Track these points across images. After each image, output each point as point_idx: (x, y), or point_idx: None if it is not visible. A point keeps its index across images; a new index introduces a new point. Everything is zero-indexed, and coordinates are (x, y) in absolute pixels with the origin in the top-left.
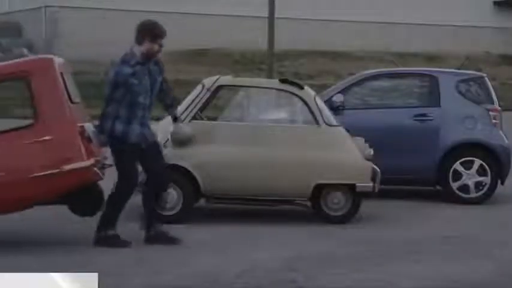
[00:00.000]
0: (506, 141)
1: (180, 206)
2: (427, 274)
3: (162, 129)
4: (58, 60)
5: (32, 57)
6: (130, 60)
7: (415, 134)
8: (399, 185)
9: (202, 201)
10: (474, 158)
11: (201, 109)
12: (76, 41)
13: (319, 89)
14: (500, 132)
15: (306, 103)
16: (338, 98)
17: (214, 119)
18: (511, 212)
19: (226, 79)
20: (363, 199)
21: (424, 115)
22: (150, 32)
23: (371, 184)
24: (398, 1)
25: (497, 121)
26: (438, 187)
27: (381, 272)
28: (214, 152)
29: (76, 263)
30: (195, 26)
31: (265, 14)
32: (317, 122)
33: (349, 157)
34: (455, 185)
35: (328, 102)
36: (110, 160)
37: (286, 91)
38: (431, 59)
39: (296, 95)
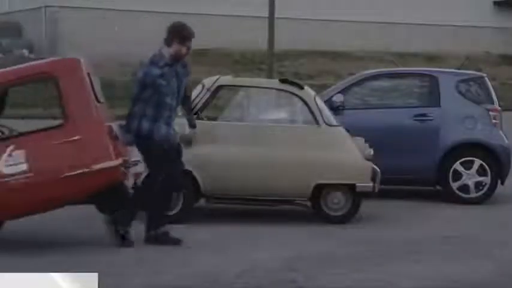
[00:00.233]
0: (506, 141)
1: (180, 206)
2: (427, 274)
3: None
4: (84, 61)
5: (59, 57)
6: (159, 62)
7: (415, 134)
8: (399, 185)
9: (202, 201)
10: (474, 158)
11: (201, 109)
12: (76, 41)
13: (319, 89)
14: (500, 132)
15: (306, 103)
16: (338, 98)
17: (214, 119)
18: (511, 212)
19: (226, 79)
20: (363, 199)
21: (424, 115)
22: (179, 33)
23: (371, 184)
24: (398, 1)
25: (497, 121)
26: (438, 187)
27: (381, 272)
28: (214, 152)
29: (76, 263)
30: (195, 26)
31: (265, 14)
32: (317, 122)
33: (349, 157)
34: (455, 185)
35: (328, 102)
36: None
37: (286, 91)
38: (431, 59)
39: (296, 95)
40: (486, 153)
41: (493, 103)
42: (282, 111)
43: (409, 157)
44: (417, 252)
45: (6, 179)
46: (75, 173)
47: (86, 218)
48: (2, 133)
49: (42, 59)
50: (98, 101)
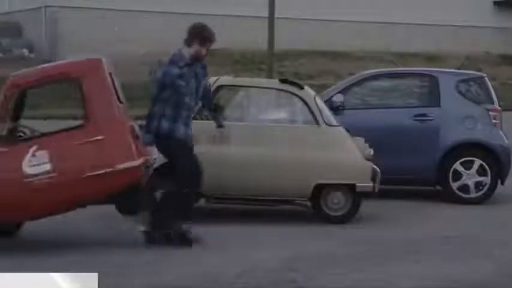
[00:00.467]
0: (506, 141)
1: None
2: (427, 274)
3: None
4: (106, 61)
5: (81, 58)
6: (179, 62)
7: (415, 134)
8: (399, 185)
9: (202, 201)
10: (474, 158)
11: (201, 109)
12: (76, 41)
13: (319, 89)
14: (500, 132)
15: (306, 103)
16: (338, 98)
17: None
18: (511, 212)
19: (226, 79)
20: (363, 199)
21: (424, 115)
22: (199, 35)
23: (371, 184)
24: (398, 1)
25: (497, 121)
26: (438, 187)
27: (381, 272)
28: (214, 152)
29: (76, 263)
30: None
31: (265, 14)
32: (317, 122)
33: (349, 157)
34: (455, 185)
35: (328, 102)
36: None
37: (286, 91)
38: (431, 59)
39: (296, 95)
40: (486, 153)
41: (493, 103)
42: (282, 111)
43: (409, 157)
44: (417, 252)
45: (30, 179)
46: (98, 173)
47: (86, 218)
48: (24, 133)
49: (50, 61)
50: (120, 101)
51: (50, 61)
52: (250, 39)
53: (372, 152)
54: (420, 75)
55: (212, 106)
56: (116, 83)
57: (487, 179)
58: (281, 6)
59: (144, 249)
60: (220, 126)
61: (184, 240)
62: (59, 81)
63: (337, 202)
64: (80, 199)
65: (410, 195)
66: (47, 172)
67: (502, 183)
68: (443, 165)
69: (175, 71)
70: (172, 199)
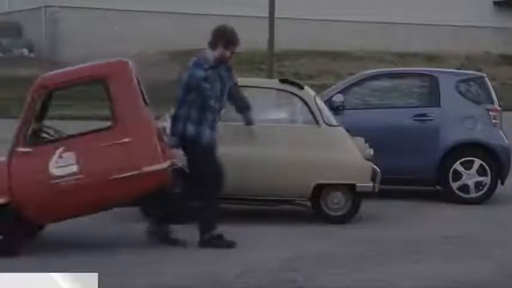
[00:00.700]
0: (506, 141)
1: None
2: (427, 274)
3: None
4: (132, 63)
5: (108, 60)
6: (204, 64)
7: (415, 134)
8: (399, 185)
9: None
10: (474, 158)
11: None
12: (76, 41)
13: (319, 89)
14: (500, 132)
15: (306, 103)
16: (338, 98)
17: None
18: (511, 212)
19: None
20: (363, 199)
21: (424, 115)
22: (224, 37)
23: (371, 184)
24: (398, 1)
25: (497, 121)
26: (438, 187)
27: (381, 272)
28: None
29: (76, 263)
30: (195, 26)
31: (265, 14)
32: (317, 122)
33: (349, 157)
34: (455, 185)
35: (328, 102)
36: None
37: (286, 91)
38: (431, 59)
39: (296, 95)
40: (486, 153)
41: (493, 103)
42: (282, 111)
43: (409, 157)
44: (417, 252)
45: (56, 181)
46: (125, 175)
47: (86, 218)
48: (48, 134)
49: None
50: (146, 103)
51: (49, 61)
52: (250, 39)
53: (372, 152)
54: (420, 75)
55: (239, 105)
56: (141, 85)
57: (487, 179)
58: (281, 6)
59: (144, 250)
60: (249, 123)
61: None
62: (86, 83)
63: (337, 202)
64: (106, 201)
65: (410, 195)
66: (74, 174)
67: (502, 183)
68: (443, 165)
69: (200, 73)
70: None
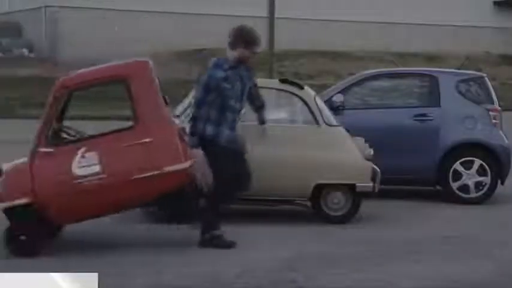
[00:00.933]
0: (506, 141)
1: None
2: (427, 274)
3: None
4: (152, 63)
5: (128, 60)
6: (224, 65)
7: (415, 134)
8: (399, 185)
9: (202, 201)
10: (474, 158)
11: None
12: (76, 41)
13: (319, 89)
14: (500, 132)
15: (306, 103)
16: (338, 98)
17: None
18: (511, 212)
19: None
20: (363, 199)
21: (424, 115)
22: (243, 38)
23: (371, 184)
24: (398, 1)
25: (497, 121)
26: (438, 187)
27: (381, 272)
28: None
29: (76, 263)
30: (195, 26)
31: (265, 14)
32: (317, 122)
33: (349, 157)
34: (455, 185)
35: (328, 102)
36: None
37: (286, 91)
38: (431, 59)
39: (296, 95)
40: (486, 153)
41: (493, 103)
42: (282, 111)
43: (409, 157)
44: (417, 252)
45: (79, 181)
46: (147, 175)
47: None
48: (68, 134)
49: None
50: (166, 103)
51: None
52: None
53: (372, 152)
54: (420, 75)
55: (259, 104)
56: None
57: (487, 179)
58: (281, 6)
59: (144, 250)
60: (262, 123)
61: (216, 245)
62: (108, 83)
63: (337, 202)
64: (127, 201)
65: (410, 195)
66: (97, 173)
67: (502, 183)
68: (443, 165)
69: (220, 73)
70: (209, 203)
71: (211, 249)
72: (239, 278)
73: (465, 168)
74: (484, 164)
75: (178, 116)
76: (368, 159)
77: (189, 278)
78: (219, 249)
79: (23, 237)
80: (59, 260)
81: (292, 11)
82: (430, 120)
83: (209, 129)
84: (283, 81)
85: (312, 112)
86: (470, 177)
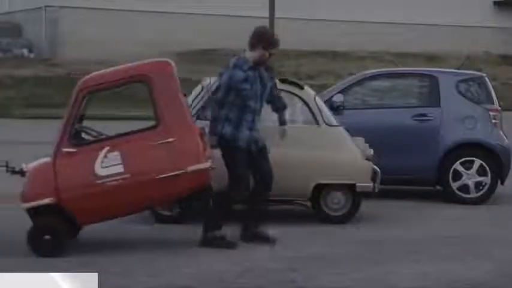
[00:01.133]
0: (506, 141)
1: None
2: (427, 274)
3: None
4: (173, 63)
5: (150, 60)
6: (243, 65)
7: (415, 134)
8: (399, 185)
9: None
10: (474, 158)
11: (201, 109)
12: (76, 41)
13: (319, 89)
14: (500, 132)
15: (306, 103)
16: (338, 98)
17: None
18: (511, 212)
19: None
20: (363, 199)
21: (424, 115)
22: (263, 39)
23: (371, 184)
24: (398, 1)
25: (497, 121)
26: (438, 187)
27: (381, 272)
28: (214, 152)
29: (76, 263)
30: (195, 26)
31: (265, 14)
32: (317, 122)
33: (349, 157)
34: (455, 185)
35: (328, 102)
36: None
37: (286, 91)
38: (431, 59)
39: (296, 95)
40: (486, 153)
41: (493, 103)
42: None
43: (409, 157)
44: (417, 252)
45: (102, 180)
46: (169, 175)
47: None
48: (89, 135)
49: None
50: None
51: (49, 60)
52: None
53: (372, 152)
54: (420, 75)
55: (279, 105)
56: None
57: (487, 179)
58: (281, 6)
59: (145, 249)
60: (283, 124)
61: (217, 246)
62: (129, 84)
63: (337, 202)
64: (150, 201)
65: (410, 195)
66: (120, 173)
67: (502, 183)
68: (443, 165)
69: (240, 74)
70: (217, 202)
71: (212, 249)
72: (239, 278)
73: (465, 168)
74: (484, 164)
75: None
76: (368, 159)
77: (189, 278)
78: (219, 249)
79: (47, 237)
80: (59, 260)
81: (292, 11)
82: (430, 120)
83: (227, 130)
84: (283, 81)
85: (312, 112)
86: (470, 177)
